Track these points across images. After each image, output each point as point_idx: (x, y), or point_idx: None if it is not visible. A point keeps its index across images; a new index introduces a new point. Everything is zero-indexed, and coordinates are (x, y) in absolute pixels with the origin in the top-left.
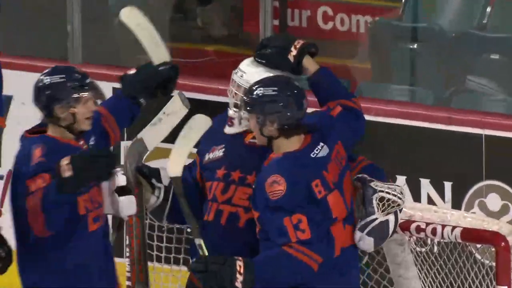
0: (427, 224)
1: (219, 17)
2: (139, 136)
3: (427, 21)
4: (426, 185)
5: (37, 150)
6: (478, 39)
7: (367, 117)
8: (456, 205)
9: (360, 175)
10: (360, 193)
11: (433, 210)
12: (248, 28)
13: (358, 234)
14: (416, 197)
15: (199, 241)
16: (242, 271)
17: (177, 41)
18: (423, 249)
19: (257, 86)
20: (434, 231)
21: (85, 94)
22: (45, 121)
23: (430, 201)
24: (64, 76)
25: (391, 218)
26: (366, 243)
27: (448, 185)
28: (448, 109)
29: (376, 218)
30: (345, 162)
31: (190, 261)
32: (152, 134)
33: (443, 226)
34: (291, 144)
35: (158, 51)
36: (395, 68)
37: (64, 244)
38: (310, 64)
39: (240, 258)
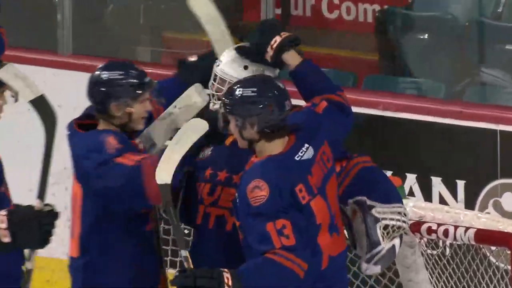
0: (439, 225)
1: (216, 5)
2: (145, 131)
3: (438, 9)
4: (437, 184)
5: (110, 138)
6: (493, 29)
7: (375, 112)
8: (470, 205)
9: (358, 198)
10: (358, 217)
11: (445, 210)
12: (249, 17)
13: (364, 265)
14: (427, 197)
15: (185, 253)
16: (230, 283)
17: (170, 30)
18: (435, 252)
19: (236, 86)
20: (446, 233)
21: (144, 93)
22: (96, 116)
23: (442, 200)
24: (122, 72)
25: (397, 241)
26: (375, 270)
27: (461, 184)
28: (461, 103)
29: (383, 248)
30: (331, 164)
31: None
32: (161, 129)
33: (456, 227)
34: (274, 147)
35: (223, 44)
36: (404, 60)
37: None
38: (291, 59)
39: (226, 269)
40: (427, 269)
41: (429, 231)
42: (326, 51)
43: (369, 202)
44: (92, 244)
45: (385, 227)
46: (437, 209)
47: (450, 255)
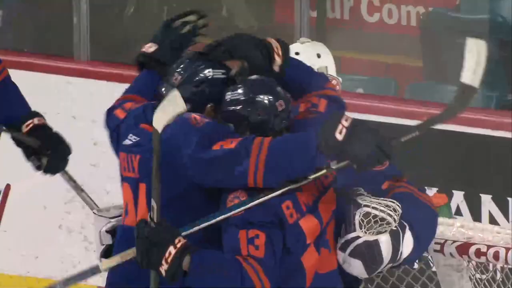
0: (489, 247)
1: (247, 5)
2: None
3: (487, 12)
4: (487, 202)
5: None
6: None
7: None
8: None
9: (355, 188)
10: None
11: (495, 231)
12: (281, 18)
13: (340, 254)
14: (476, 216)
15: (155, 204)
16: (170, 259)
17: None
18: (484, 276)
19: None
20: (496, 255)
21: None
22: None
23: (492, 220)
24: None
25: (383, 239)
26: (353, 265)
27: None
28: None
29: (359, 237)
30: (331, 179)
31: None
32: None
33: (507, 250)
34: None
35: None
36: (451, 67)
37: None
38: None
39: (180, 243)
40: None
41: (478, 253)
42: (365, 57)
43: (361, 191)
44: None
45: (366, 215)
46: (487, 229)
47: (501, 279)
